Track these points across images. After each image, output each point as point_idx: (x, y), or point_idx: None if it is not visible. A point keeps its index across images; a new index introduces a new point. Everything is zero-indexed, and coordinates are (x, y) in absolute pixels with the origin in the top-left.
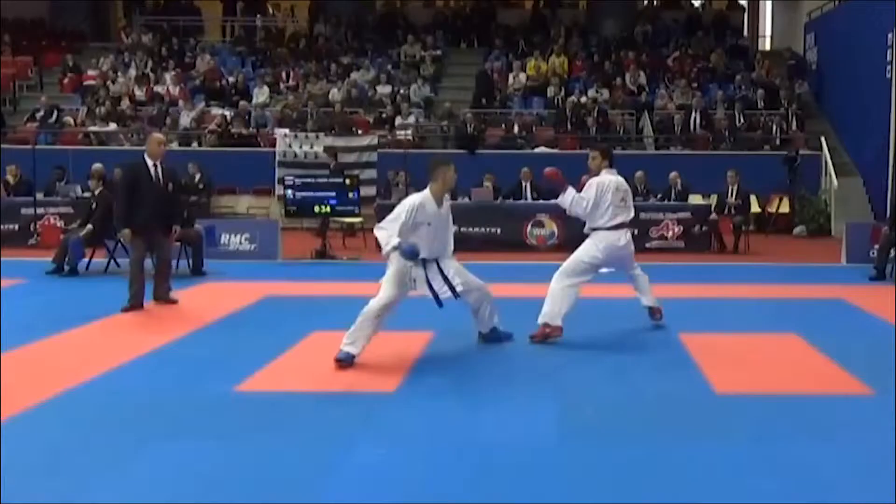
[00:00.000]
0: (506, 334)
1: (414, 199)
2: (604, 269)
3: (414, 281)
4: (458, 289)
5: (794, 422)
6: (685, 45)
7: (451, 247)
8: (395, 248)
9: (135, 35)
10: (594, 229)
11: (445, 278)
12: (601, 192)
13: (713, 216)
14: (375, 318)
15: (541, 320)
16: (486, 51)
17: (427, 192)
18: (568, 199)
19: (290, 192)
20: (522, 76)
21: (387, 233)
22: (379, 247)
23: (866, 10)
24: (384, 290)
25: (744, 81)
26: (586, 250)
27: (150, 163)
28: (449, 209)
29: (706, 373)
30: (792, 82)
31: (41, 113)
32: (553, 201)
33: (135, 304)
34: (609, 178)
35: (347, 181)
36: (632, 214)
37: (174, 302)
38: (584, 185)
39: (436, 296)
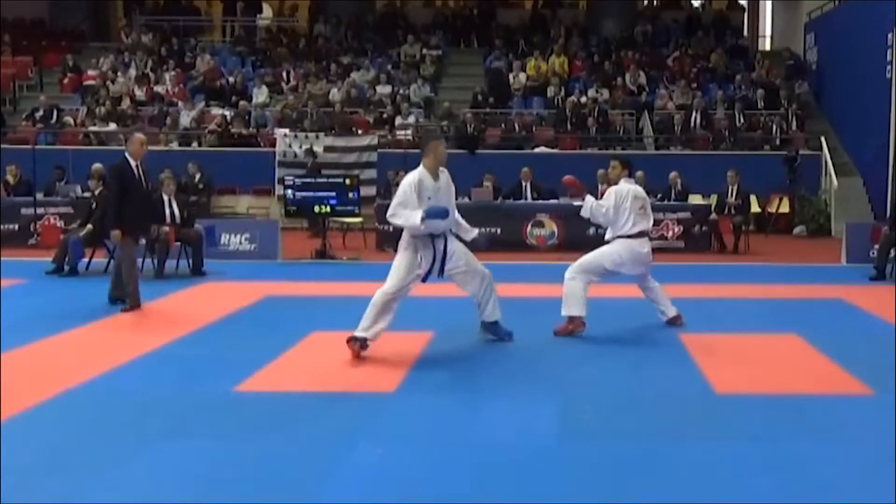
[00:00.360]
0: (506, 332)
1: (410, 176)
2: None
3: (421, 260)
4: (459, 270)
5: (794, 422)
6: (685, 45)
7: (456, 214)
8: (423, 218)
9: (135, 35)
10: (617, 237)
11: (444, 259)
12: (620, 200)
13: (713, 216)
14: (384, 306)
15: (565, 313)
16: (486, 51)
17: (421, 168)
18: (588, 207)
19: (289, 192)
20: (522, 76)
21: (404, 213)
22: (381, 243)
23: (866, 10)
24: (392, 278)
25: (744, 81)
26: (609, 254)
27: (132, 163)
28: (449, 181)
29: (706, 373)
30: (791, 83)
31: (40, 112)
32: (553, 201)
33: (134, 305)
34: (627, 187)
35: (347, 181)
36: (651, 223)
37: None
38: (603, 194)
39: (427, 274)
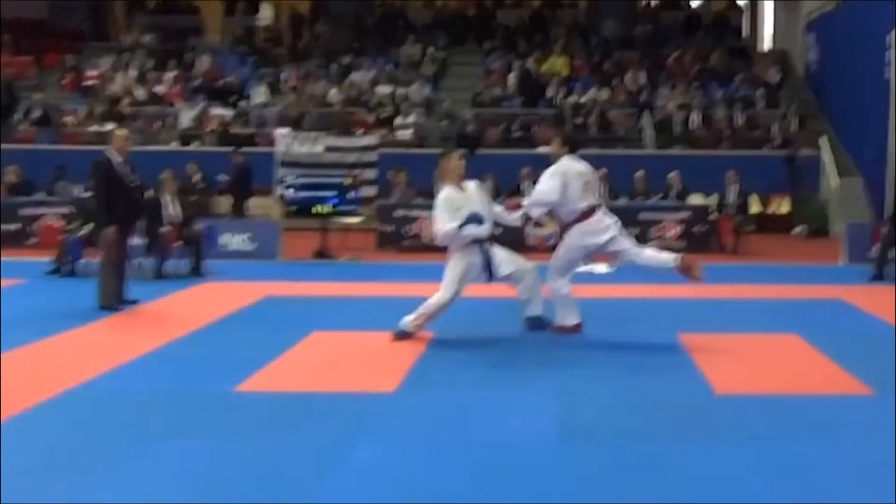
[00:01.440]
0: (549, 322)
1: (441, 194)
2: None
3: (471, 267)
4: (503, 273)
5: (794, 422)
6: (685, 45)
7: (497, 210)
8: (462, 224)
9: (135, 35)
10: (567, 226)
11: (489, 264)
12: (565, 181)
13: (713, 216)
14: (434, 314)
15: (559, 323)
16: (486, 51)
17: (445, 188)
18: (532, 202)
19: (290, 191)
20: None
21: (443, 224)
22: (381, 243)
23: (866, 11)
24: (446, 287)
25: (744, 81)
26: (567, 247)
27: (116, 159)
28: (476, 188)
29: (706, 373)
30: (781, 84)
31: (38, 113)
32: None
33: (107, 305)
34: (568, 164)
35: (347, 181)
36: (597, 197)
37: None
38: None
39: (490, 274)
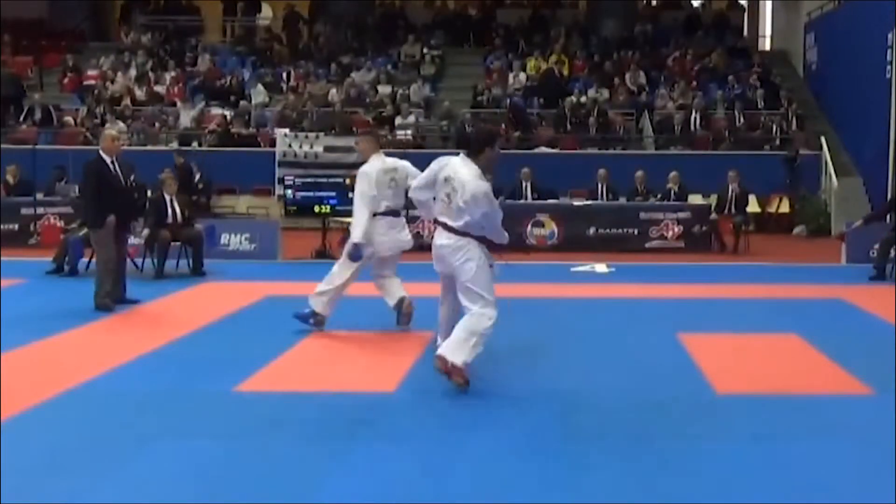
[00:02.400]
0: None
1: None
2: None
3: None
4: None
5: (794, 422)
6: (685, 45)
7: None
8: None
9: (135, 35)
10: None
11: None
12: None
13: (713, 216)
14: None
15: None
16: (486, 51)
17: None
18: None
19: (289, 192)
20: (522, 76)
21: None
22: None
23: (866, 10)
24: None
25: (744, 81)
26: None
27: (107, 159)
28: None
29: (706, 373)
30: (781, 84)
31: (38, 113)
32: (552, 201)
33: (102, 306)
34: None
35: (347, 181)
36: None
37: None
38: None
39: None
